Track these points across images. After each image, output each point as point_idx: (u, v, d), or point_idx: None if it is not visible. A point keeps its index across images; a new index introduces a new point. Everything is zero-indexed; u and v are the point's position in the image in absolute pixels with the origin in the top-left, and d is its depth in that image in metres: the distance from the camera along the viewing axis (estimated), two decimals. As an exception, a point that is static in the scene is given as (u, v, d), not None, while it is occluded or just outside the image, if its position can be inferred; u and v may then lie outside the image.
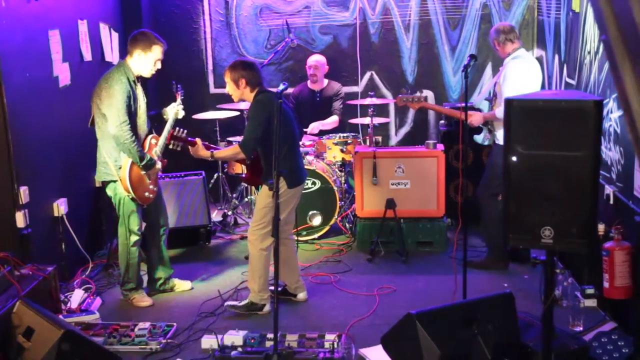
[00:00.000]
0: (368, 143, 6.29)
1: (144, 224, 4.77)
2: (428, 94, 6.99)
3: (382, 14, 7.02)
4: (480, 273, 5.07)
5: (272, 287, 4.40)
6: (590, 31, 4.74)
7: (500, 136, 4.87)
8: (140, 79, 4.64)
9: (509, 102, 2.95)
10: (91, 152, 4.67)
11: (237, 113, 6.61)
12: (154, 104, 5.89)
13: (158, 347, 4.03)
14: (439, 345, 3.15)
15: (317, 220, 6.00)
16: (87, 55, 5.61)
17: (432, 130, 7.24)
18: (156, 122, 4.84)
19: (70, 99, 5.21)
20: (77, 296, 4.63)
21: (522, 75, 4.87)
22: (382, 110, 7.11)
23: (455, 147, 6.10)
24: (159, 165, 4.67)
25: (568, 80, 5.37)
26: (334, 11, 7.08)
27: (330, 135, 6.35)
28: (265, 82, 4.67)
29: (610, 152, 4.33)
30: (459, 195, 5.88)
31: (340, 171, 6.31)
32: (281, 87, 3.83)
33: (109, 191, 4.62)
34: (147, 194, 4.61)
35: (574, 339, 3.67)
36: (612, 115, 4.30)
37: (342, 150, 6.20)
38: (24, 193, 4.46)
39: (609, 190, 4.28)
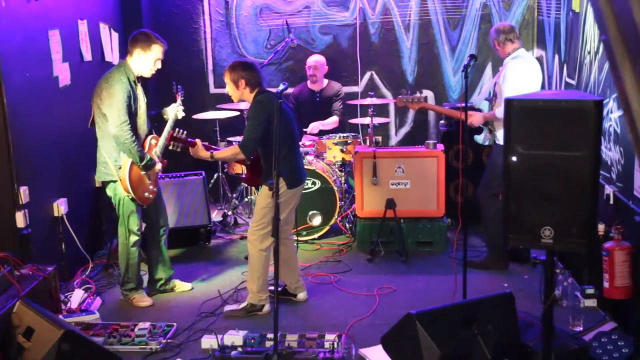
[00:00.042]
0: (368, 143, 6.29)
1: (144, 224, 4.77)
2: (428, 94, 6.99)
3: (382, 14, 7.02)
4: (480, 273, 5.07)
5: (272, 287, 4.40)
6: (590, 31, 4.74)
7: (500, 136, 4.87)
8: (141, 79, 4.64)
9: (509, 102, 2.95)
10: (91, 152, 4.67)
11: (237, 113, 6.61)
12: (154, 104, 5.89)
13: (158, 347, 4.03)
14: (439, 345, 3.15)
15: (317, 220, 6.00)
16: (87, 55, 5.61)
17: (432, 130, 7.24)
18: (156, 122, 4.84)
19: (70, 99, 5.21)
20: (77, 296, 4.63)
21: (522, 75, 4.87)
22: (382, 110, 7.11)
23: (455, 147, 6.10)
24: (159, 166, 4.67)
25: (568, 80, 5.37)
26: (334, 11, 7.08)
27: (330, 135, 6.35)
28: (265, 82, 4.67)
29: (610, 152, 4.33)
30: (459, 195, 5.88)
31: (340, 171, 6.31)
32: (281, 87, 3.83)
33: (109, 191, 4.62)
34: (147, 194, 4.61)
35: (574, 339, 3.67)
36: (612, 115, 4.30)
37: (342, 150, 6.20)
38: (24, 193, 4.46)
39: (609, 190, 4.28)
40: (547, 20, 6.25)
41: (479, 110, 5.80)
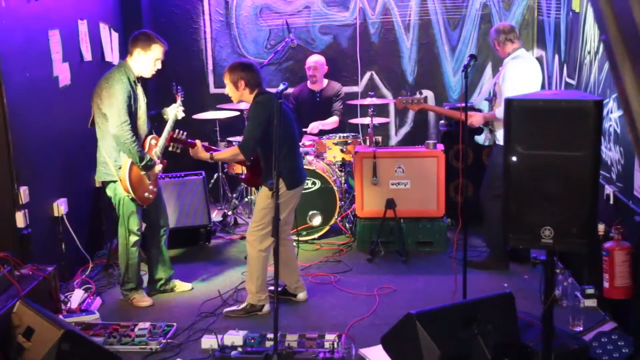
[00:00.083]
0: (368, 143, 6.29)
1: (144, 225, 4.78)
2: (428, 94, 6.99)
3: (382, 14, 7.02)
4: (480, 273, 5.07)
5: (272, 287, 4.40)
6: (590, 31, 4.74)
7: (500, 136, 4.87)
8: (141, 79, 4.64)
9: (509, 102, 2.95)
10: (91, 152, 4.67)
11: (237, 113, 6.61)
12: (154, 104, 5.89)
13: (158, 347, 4.03)
14: (439, 345, 3.15)
15: (317, 220, 6.00)
16: (87, 55, 5.61)
17: (432, 130, 7.24)
18: (156, 123, 4.84)
19: (70, 99, 5.21)
20: (77, 296, 4.63)
21: (522, 75, 4.87)
22: (382, 110, 7.11)
23: (455, 147, 6.10)
24: (159, 167, 4.67)
25: (568, 80, 5.37)
26: (334, 11, 7.08)
27: (330, 135, 6.34)
28: (265, 82, 4.68)
29: (610, 152, 4.33)
30: (459, 195, 5.87)
31: (340, 171, 6.31)
32: (281, 87, 3.83)
33: (109, 191, 4.62)
34: (146, 194, 4.61)
35: (574, 339, 3.67)
36: (612, 115, 4.30)
37: (342, 150, 6.20)
38: (24, 193, 4.46)
39: (609, 190, 4.28)
40: (547, 20, 6.25)
41: (479, 110, 5.80)
